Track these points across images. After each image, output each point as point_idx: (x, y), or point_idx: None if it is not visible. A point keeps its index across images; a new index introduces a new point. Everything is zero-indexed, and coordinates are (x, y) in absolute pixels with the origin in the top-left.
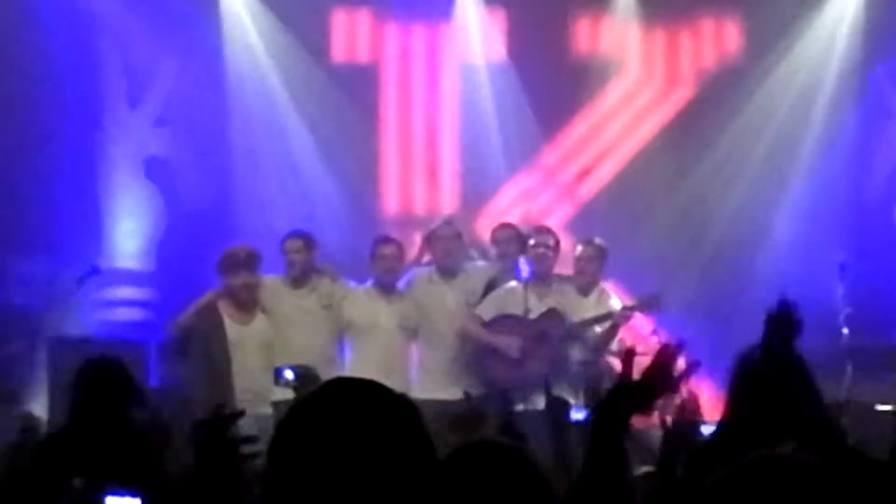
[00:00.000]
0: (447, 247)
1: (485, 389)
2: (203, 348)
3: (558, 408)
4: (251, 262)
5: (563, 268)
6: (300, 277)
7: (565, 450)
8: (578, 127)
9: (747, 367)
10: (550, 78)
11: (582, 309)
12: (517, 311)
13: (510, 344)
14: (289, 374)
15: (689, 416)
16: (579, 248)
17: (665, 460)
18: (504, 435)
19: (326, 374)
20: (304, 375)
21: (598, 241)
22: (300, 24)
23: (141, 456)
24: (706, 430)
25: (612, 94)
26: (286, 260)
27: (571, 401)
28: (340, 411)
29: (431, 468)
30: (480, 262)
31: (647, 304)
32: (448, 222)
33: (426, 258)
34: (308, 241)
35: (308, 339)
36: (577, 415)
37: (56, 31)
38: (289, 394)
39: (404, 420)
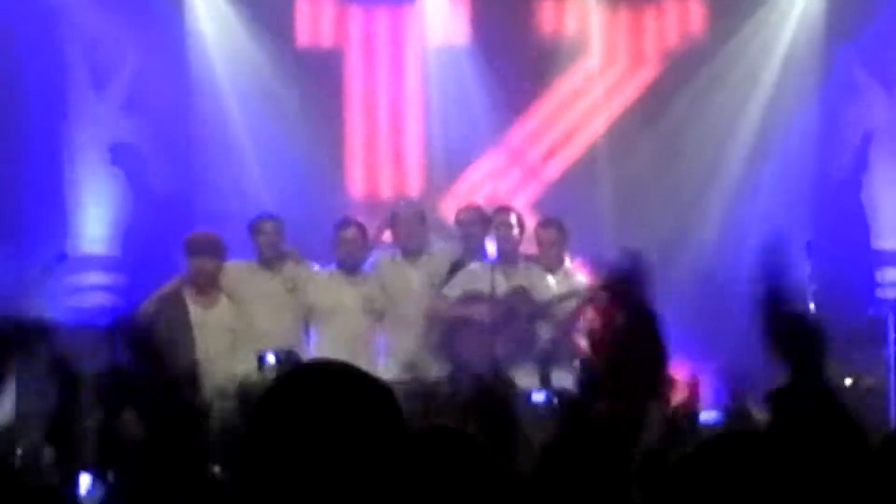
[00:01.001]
0: (409, 229)
1: (452, 370)
2: (167, 334)
3: (503, 387)
4: (213, 247)
5: (530, 248)
6: (269, 260)
7: (510, 431)
8: (544, 107)
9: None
10: (515, 59)
11: (548, 288)
12: (484, 290)
13: (479, 312)
14: (271, 359)
15: (688, 403)
16: (539, 231)
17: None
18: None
19: None
20: (287, 360)
21: (557, 220)
22: (265, 9)
23: None
24: (705, 416)
25: (577, 74)
26: (258, 242)
27: (535, 382)
28: (316, 394)
29: (405, 451)
30: (444, 244)
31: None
32: (410, 204)
33: (386, 235)
34: (277, 223)
35: (273, 323)
36: (538, 396)
37: (18, 18)
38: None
39: (380, 403)
